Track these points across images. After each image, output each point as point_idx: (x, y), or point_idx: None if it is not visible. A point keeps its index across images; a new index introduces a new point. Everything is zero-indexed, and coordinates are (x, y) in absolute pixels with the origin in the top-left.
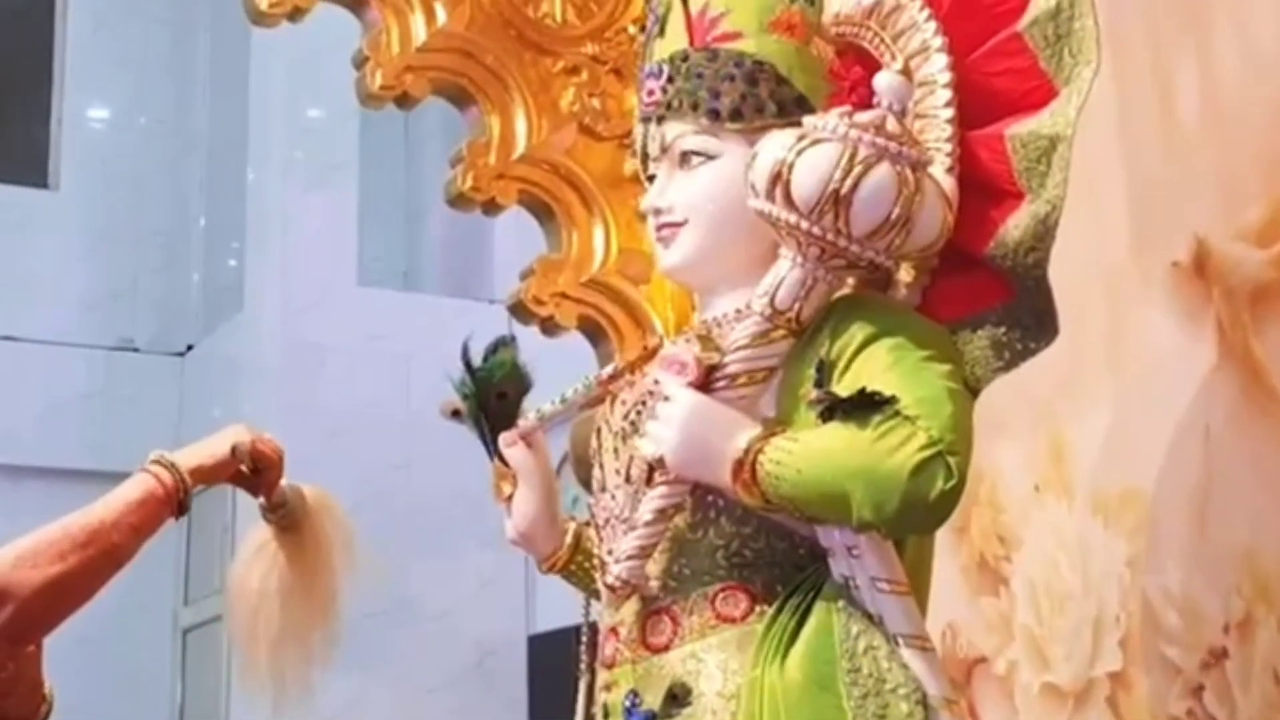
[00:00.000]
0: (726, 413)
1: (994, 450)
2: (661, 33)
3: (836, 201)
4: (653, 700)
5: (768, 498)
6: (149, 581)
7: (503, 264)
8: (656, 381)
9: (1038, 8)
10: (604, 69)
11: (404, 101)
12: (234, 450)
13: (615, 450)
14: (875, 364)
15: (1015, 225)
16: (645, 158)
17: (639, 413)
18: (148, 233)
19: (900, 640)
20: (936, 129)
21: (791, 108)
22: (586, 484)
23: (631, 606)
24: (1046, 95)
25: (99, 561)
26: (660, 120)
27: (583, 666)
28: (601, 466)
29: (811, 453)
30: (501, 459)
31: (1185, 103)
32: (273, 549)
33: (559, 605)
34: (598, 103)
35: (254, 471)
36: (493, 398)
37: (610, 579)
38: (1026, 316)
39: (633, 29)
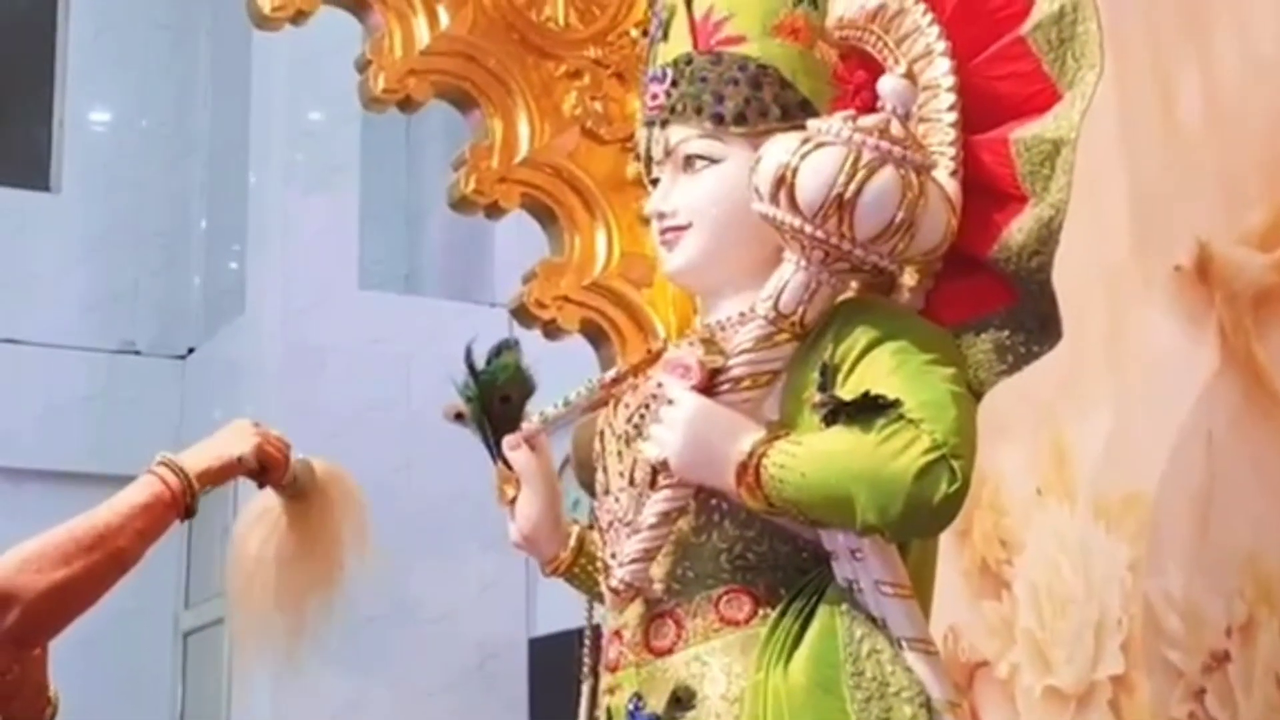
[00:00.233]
0: (730, 416)
1: (996, 453)
2: (665, 36)
3: (840, 205)
4: (656, 703)
5: (771, 501)
6: (150, 585)
7: (503, 267)
8: (660, 385)
9: (1041, 12)
10: (606, 73)
11: (407, 105)
12: (240, 461)
13: (619, 453)
14: (879, 367)
15: (1019, 229)
16: (649, 161)
17: (643, 416)
18: (149, 235)
19: (904, 643)
20: (940, 133)
21: (795, 111)
22: (588, 487)
23: (635, 610)
24: (1050, 99)
25: (104, 566)
26: (664, 124)
27: (585, 670)
28: (605, 470)
29: (815, 456)
30: (505, 462)
31: (1187, 106)
32: (275, 515)
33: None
34: (600, 106)
35: (260, 471)
36: (496, 401)
37: (614, 582)
38: (1030, 320)
39: (635, 33)
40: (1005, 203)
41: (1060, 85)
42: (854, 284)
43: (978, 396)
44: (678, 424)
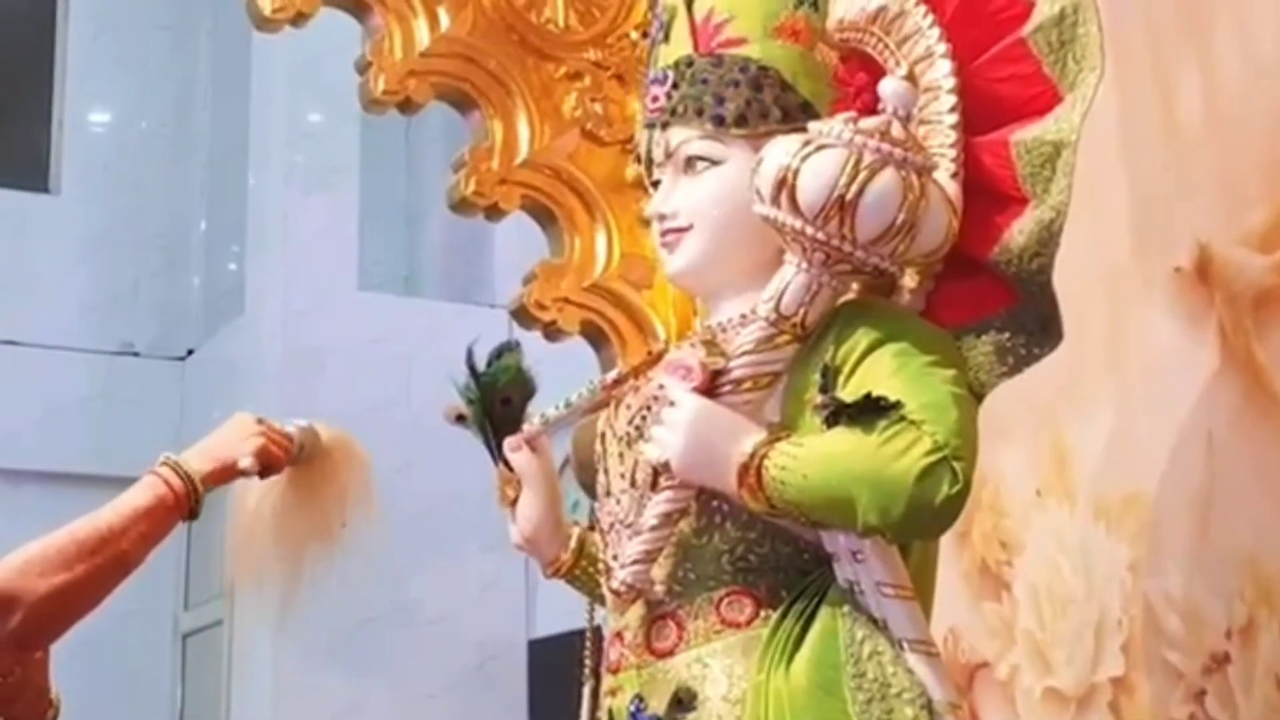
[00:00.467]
0: (731, 417)
1: (996, 455)
2: (666, 38)
3: (842, 207)
4: (658, 705)
5: (773, 502)
6: (149, 586)
7: (503, 268)
8: (661, 386)
9: (1042, 14)
10: (606, 74)
11: (407, 107)
12: (243, 470)
13: (620, 455)
14: (880, 369)
15: (1020, 231)
16: (649, 163)
17: (644, 418)
18: (148, 236)
19: (905, 645)
20: (941, 135)
21: (796, 113)
22: (588, 488)
23: (636, 611)
24: (1051, 101)
25: (107, 570)
26: (665, 126)
27: (587, 671)
28: (606, 471)
29: (817, 457)
30: (506, 464)
31: (1187, 107)
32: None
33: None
34: (600, 108)
35: (263, 470)
36: (497, 402)
37: (615, 584)
38: (1030, 322)
39: (635, 34)
40: (1006, 205)
41: (1061, 87)
42: (855, 286)
43: (979, 398)
44: (679, 425)
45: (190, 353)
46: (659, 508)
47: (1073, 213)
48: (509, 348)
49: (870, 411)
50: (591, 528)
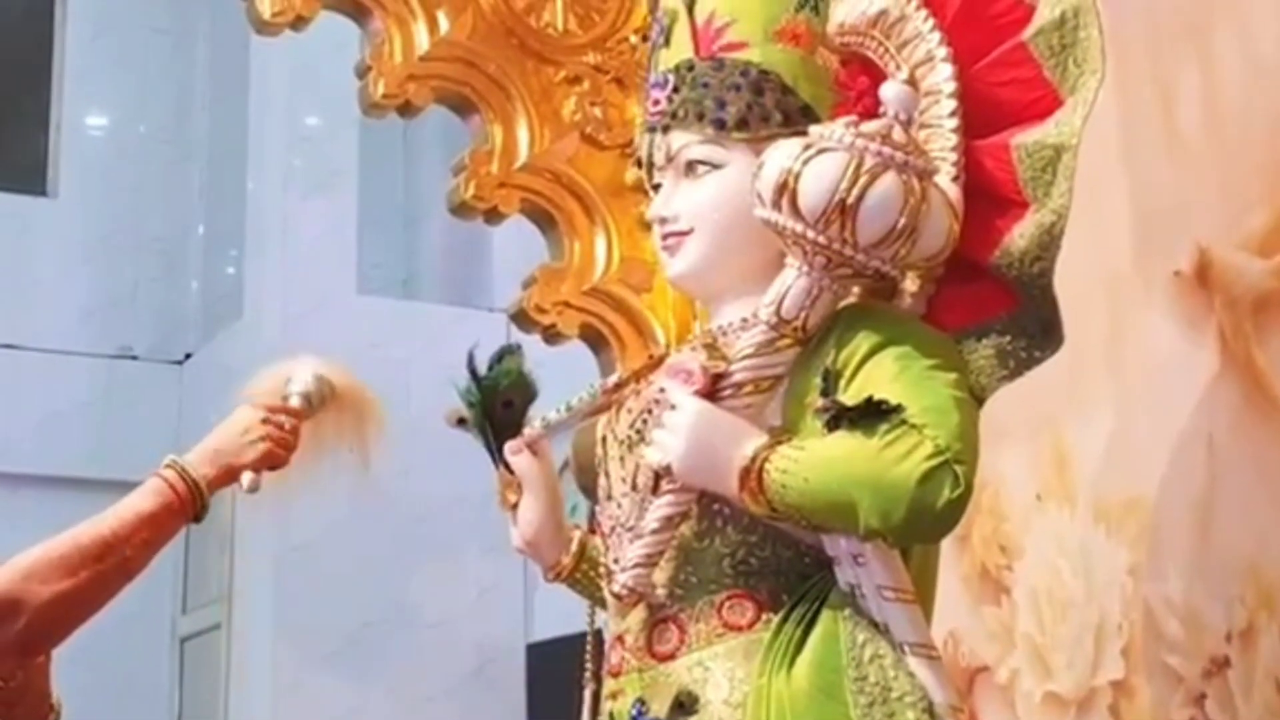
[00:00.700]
0: (733, 421)
1: (996, 458)
2: (667, 42)
3: (843, 211)
4: (659, 709)
5: (774, 506)
6: (147, 590)
7: (501, 272)
8: (662, 390)
9: (1042, 18)
10: (606, 78)
11: (406, 110)
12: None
13: (621, 459)
14: (881, 373)
15: (1020, 234)
16: (650, 167)
17: (645, 421)
18: (147, 240)
19: (906, 648)
20: (942, 138)
21: (797, 117)
22: (587, 491)
23: (638, 615)
24: (1051, 105)
25: (110, 576)
26: (666, 130)
27: (588, 675)
28: (607, 475)
29: (818, 461)
30: (507, 467)
31: (1187, 111)
32: None
33: (558, 613)
34: (600, 112)
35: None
36: (498, 406)
37: (616, 587)
38: (1031, 325)
39: (634, 38)
40: (1007, 208)
41: (1061, 91)
42: (856, 289)
43: (979, 402)
44: (680, 429)
45: (189, 356)
46: (660, 511)
47: (1073, 216)
48: (510, 351)
49: (872, 415)
50: (592, 531)
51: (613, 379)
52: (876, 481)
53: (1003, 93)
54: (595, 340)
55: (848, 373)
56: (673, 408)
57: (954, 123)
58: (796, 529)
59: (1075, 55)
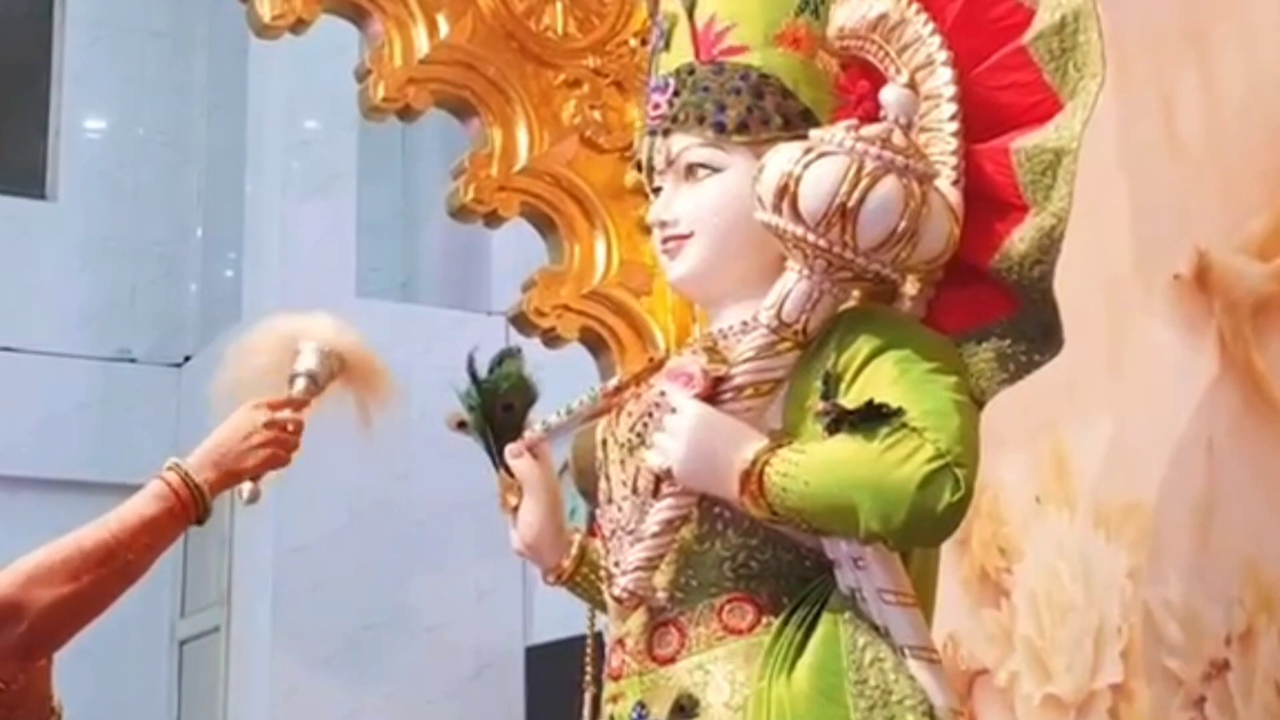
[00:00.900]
0: (733, 424)
1: (995, 462)
2: (667, 46)
3: (843, 214)
4: (659, 712)
5: (775, 509)
6: (146, 593)
7: (500, 276)
8: (663, 393)
9: (1043, 22)
10: (605, 82)
11: (406, 114)
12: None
13: (621, 462)
14: (882, 376)
15: (1020, 238)
16: (650, 170)
17: (646, 424)
18: (145, 243)
19: (907, 652)
20: (942, 142)
21: (797, 121)
22: (587, 494)
23: (638, 618)
24: (1051, 109)
25: (112, 580)
26: (666, 133)
27: (588, 678)
28: (608, 478)
29: (819, 464)
30: (507, 470)
31: (1187, 115)
32: None
33: (557, 617)
34: (599, 115)
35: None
36: (499, 409)
37: (617, 591)
38: (1031, 329)
39: (634, 42)
40: (1007, 212)
41: (1061, 95)
42: (856, 293)
43: (980, 405)
44: (681, 432)
45: (187, 359)
46: (661, 514)
47: (1073, 220)
48: (510, 354)
49: (872, 419)
50: (592, 534)
51: (613, 382)
52: (877, 485)
53: (1003, 97)
54: (595, 343)
55: (848, 376)
56: (673, 411)
57: (954, 126)
58: (797, 532)
59: (1075, 59)
